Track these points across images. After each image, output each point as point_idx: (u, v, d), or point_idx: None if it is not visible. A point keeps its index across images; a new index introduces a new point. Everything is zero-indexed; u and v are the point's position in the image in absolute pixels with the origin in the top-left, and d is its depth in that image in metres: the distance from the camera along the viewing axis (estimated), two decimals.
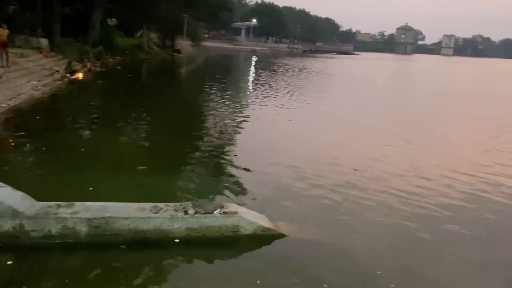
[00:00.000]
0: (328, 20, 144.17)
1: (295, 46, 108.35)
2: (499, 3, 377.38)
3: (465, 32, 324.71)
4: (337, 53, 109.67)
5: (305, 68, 38.55)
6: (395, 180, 6.98)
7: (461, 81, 34.13)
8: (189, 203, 4.72)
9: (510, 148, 9.99)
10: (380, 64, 62.46)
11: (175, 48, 44.64)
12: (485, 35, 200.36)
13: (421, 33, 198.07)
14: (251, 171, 6.96)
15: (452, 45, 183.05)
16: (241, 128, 10.42)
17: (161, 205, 4.65)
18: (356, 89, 23.41)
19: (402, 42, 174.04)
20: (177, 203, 4.70)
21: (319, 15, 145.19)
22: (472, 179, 7.27)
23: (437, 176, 7.28)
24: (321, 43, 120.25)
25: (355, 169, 7.39)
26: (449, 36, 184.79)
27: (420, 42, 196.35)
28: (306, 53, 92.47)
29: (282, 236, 4.58)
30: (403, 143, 9.75)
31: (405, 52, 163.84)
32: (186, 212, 4.54)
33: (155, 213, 4.49)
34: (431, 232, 5.10)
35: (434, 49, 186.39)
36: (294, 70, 35.10)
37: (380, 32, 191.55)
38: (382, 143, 9.85)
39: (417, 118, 13.81)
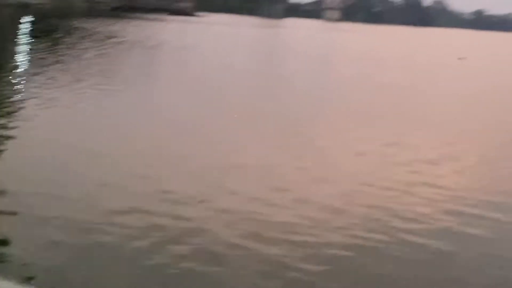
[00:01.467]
0: None
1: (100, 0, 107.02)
2: None
3: None
4: (170, 13, 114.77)
5: (113, 37, 39.24)
6: (260, 217, 7.74)
7: (349, 62, 38.91)
8: None
9: (406, 159, 12.00)
10: (232, 34, 66.21)
11: None
12: None
13: None
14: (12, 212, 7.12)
15: (338, 6, 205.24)
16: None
17: None
18: (193, 73, 25.03)
19: None
20: None
21: None
22: (357, 211, 8.49)
23: (313, 209, 8.37)
24: None
25: (200, 201, 8.05)
26: None
27: (292, 0, 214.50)
28: (117, 12, 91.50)
29: None
30: (264, 158, 10.96)
31: (272, 15, 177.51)
32: None
33: None
34: None
35: (314, 11, 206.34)
36: (95, 41, 35.42)
37: None
38: (236, 156, 11.02)
39: (286, 118, 15.80)
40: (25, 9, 68.84)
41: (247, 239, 7.07)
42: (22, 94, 15.96)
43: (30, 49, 28.67)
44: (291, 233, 7.36)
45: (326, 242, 7.21)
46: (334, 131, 15.04)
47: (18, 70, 21.46)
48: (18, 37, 34.84)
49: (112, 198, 8.11)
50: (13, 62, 23.97)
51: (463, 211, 8.88)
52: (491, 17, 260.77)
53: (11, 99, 15.22)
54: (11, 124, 12.07)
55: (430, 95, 24.05)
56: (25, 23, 46.90)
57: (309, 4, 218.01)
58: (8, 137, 10.96)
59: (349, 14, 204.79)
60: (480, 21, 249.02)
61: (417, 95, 23.78)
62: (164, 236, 6.92)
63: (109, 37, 38.79)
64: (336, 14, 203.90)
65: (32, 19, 53.16)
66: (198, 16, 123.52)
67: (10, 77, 19.46)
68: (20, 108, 13.93)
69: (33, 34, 37.56)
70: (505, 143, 14.72)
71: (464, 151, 13.48)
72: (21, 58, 25.19)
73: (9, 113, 13.19)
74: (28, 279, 5.47)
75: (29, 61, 24.22)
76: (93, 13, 78.09)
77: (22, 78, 19.36)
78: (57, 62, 23.40)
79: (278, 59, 37.76)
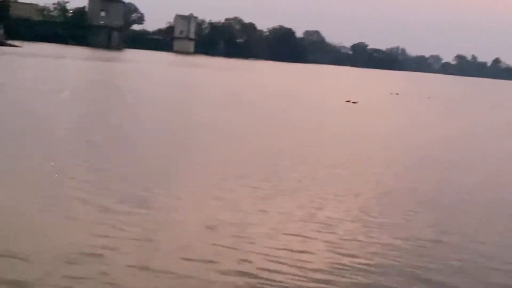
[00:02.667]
0: None
1: None
2: None
3: (215, 14, 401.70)
4: None
5: None
6: None
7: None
8: None
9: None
10: (52, 68, 67.31)
11: None
12: (247, 19, 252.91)
13: (136, 9, 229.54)
14: None
15: (192, 35, 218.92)
16: None
17: None
18: None
19: (101, 24, 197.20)
20: None
21: None
22: None
23: None
24: None
25: None
26: (187, 19, 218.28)
27: (136, 27, 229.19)
28: None
29: None
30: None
31: (109, 45, 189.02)
32: None
33: None
34: None
35: (162, 40, 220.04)
36: None
37: (59, 3, 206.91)
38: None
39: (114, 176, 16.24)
40: None
41: None
42: None
43: None
44: None
45: None
46: (183, 194, 15.41)
47: None
48: None
49: None
50: None
51: None
52: (373, 51, 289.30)
53: None
54: None
55: (305, 149, 25.21)
56: None
57: (157, 31, 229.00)
58: None
59: (206, 46, 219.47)
60: (361, 57, 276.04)
61: (288, 149, 24.77)
62: None
63: None
64: (190, 45, 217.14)
65: None
66: (11, 45, 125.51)
67: None
68: None
69: None
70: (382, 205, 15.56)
71: (336, 217, 14.04)
72: None
73: None
74: None
75: None
76: None
77: None
78: None
79: (102, 103, 39.07)
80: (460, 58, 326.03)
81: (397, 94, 74.89)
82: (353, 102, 50.49)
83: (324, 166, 21.17)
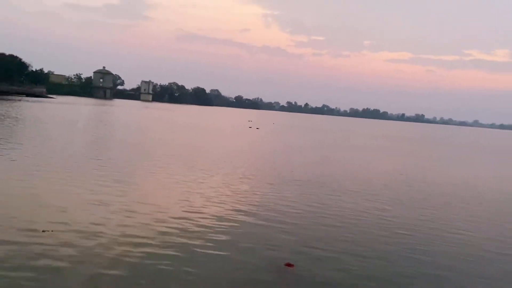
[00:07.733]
0: (13, 57, 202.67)
1: None
2: (192, 55, 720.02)
3: (163, 79, 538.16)
4: (27, 96, 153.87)
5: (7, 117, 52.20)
6: None
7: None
8: None
9: None
10: (69, 109, 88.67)
11: None
12: (180, 83, 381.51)
13: (119, 78, 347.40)
14: None
15: (151, 91, 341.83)
16: None
17: None
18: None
19: (100, 86, 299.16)
20: None
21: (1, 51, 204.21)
22: None
23: None
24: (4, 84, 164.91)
25: None
26: (147, 83, 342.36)
27: (119, 87, 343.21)
28: None
29: None
30: None
31: (105, 97, 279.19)
32: None
33: None
34: None
35: (134, 94, 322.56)
36: None
37: (77, 74, 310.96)
38: None
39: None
40: None
41: None
42: None
43: None
44: None
45: None
46: None
47: None
48: None
49: None
50: None
51: None
52: (245, 100, 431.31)
53: None
54: None
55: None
56: None
57: (131, 89, 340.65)
58: None
59: (158, 96, 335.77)
60: (239, 102, 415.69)
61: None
62: None
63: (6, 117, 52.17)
64: (149, 96, 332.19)
65: None
66: (49, 97, 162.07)
67: None
68: None
69: None
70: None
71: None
72: None
73: None
74: None
75: None
76: None
77: None
78: None
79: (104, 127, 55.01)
80: None
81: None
82: (257, 128, 67.99)
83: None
